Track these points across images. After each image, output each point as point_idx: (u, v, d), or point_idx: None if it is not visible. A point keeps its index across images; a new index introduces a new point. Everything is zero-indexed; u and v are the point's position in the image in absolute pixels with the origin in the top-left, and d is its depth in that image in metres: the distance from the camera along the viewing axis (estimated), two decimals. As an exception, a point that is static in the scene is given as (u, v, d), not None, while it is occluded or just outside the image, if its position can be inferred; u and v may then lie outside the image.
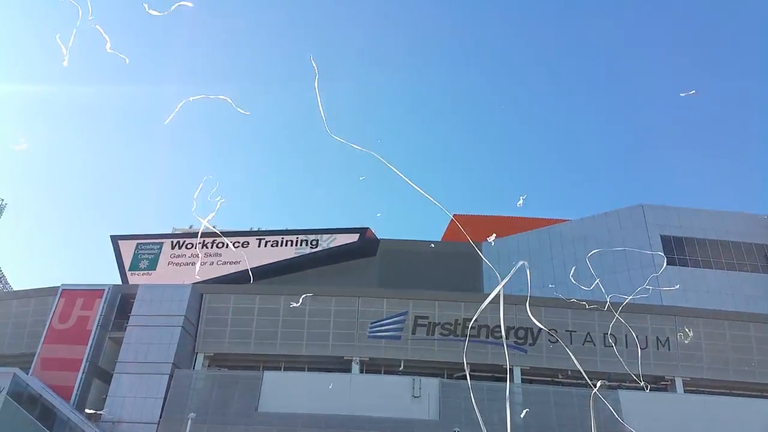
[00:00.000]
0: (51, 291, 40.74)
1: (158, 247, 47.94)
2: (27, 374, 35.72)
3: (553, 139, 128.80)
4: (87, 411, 33.78)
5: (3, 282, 57.48)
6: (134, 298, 39.16)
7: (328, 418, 33.29)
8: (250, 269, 43.76)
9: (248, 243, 47.57)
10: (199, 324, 39.18)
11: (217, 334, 38.79)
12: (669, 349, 37.34)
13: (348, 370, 37.39)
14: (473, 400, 32.84)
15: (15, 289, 55.56)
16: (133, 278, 45.46)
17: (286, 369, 38.23)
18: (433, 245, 45.63)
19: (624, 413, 34.20)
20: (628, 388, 37.00)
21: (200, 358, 38.50)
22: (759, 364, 36.59)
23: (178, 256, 47.45)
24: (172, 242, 48.72)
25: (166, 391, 35.10)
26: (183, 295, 39.28)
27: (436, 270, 43.21)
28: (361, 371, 37.62)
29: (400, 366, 37.33)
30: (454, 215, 43.59)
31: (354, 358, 37.67)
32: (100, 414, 34.12)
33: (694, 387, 36.91)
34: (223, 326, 39.06)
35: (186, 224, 54.30)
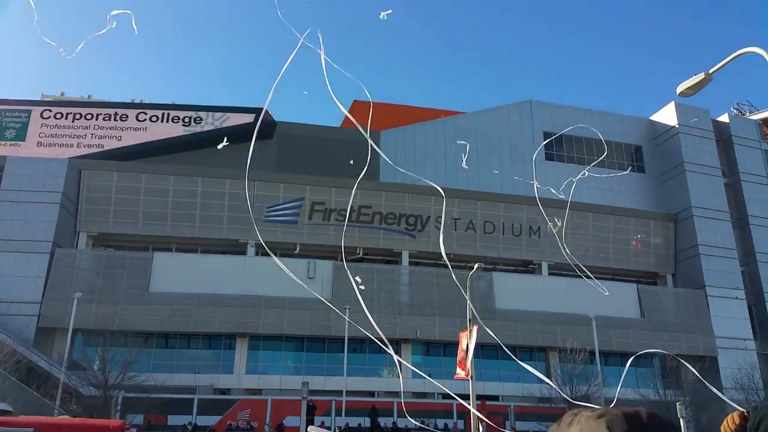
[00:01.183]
0: None
1: (26, 115, 43.16)
2: None
3: (462, 30, 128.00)
4: (-44, 290, 31.62)
5: None
6: (2, 171, 35.84)
7: (223, 298, 33.86)
8: (132, 146, 41.09)
9: (126, 116, 44.12)
10: (79, 202, 36.96)
11: (100, 213, 36.93)
12: (539, 237, 41.24)
13: (243, 254, 37.67)
14: (353, 280, 34.84)
15: None
16: (0, 149, 41.04)
17: (177, 251, 37.71)
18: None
19: (496, 292, 38.15)
20: (501, 270, 40.93)
21: (83, 237, 36.74)
22: (615, 252, 41.77)
23: (51, 126, 43.18)
24: (41, 111, 44.08)
25: (48, 271, 33.54)
26: (59, 170, 36.52)
27: (334, 156, 43.25)
28: (257, 255, 38.05)
29: (295, 249, 38.20)
30: (354, 101, 43.18)
31: (249, 242, 37.85)
32: (-27, 293, 32.09)
33: (557, 270, 41.48)
34: (106, 205, 37.17)
35: (56, 91, 49.09)
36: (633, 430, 0.89)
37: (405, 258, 39.47)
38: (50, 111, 43.74)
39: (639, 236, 42.07)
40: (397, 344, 36.51)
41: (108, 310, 31.85)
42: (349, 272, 7.53)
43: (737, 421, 2.60)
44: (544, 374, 37.29)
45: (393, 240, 39.37)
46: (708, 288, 39.54)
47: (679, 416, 26.60)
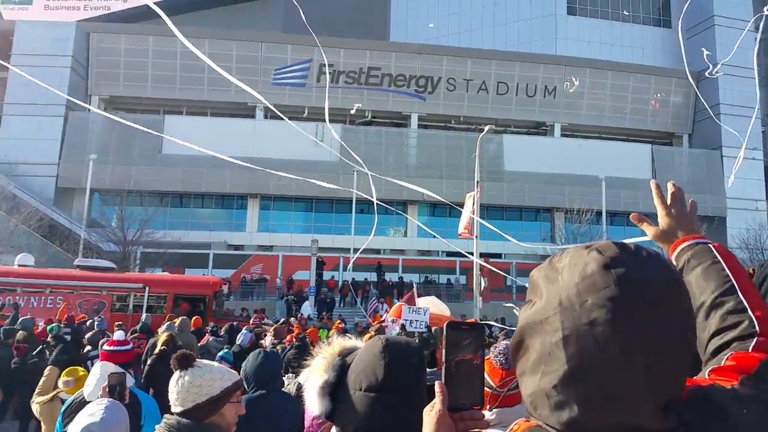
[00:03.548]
0: None
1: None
2: None
3: None
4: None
5: None
6: (12, 36, 35.67)
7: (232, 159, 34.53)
8: (137, 7, 40.05)
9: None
10: (89, 65, 36.95)
11: (110, 77, 36.99)
12: (554, 98, 40.01)
13: (252, 116, 37.78)
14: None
15: None
16: (8, 13, 40.49)
17: (187, 114, 38.01)
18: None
19: (506, 155, 37.96)
20: (512, 132, 40.36)
21: (95, 100, 37.16)
22: (632, 112, 40.44)
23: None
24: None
25: (63, 134, 34.48)
26: (68, 33, 36.18)
27: (343, 16, 41.57)
28: (265, 117, 38.13)
29: (304, 113, 38.06)
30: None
31: (258, 105, 37.77)
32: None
33: (570, 132, 40.72)
34: (116, 68, 37.10)
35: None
36: (623, 254, 0.83)
37: (414, 121, 39.08)
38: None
39: (659, 95, 40.39)
40: (403, 205, 37.31)
41: (123, 171, 33.01)
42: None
43: None
44: (548, 234, 38.10)
45: (402, 102, 38.77)
46: (724, 149, 38.47)
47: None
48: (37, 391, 5.84)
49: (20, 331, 9.99)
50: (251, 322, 15.53)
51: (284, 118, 6.89)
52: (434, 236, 35.78)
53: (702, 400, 0.84)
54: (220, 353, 8.06)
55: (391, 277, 32.76)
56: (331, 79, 38.40)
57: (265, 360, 3.79)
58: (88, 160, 30.67)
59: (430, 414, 1.02)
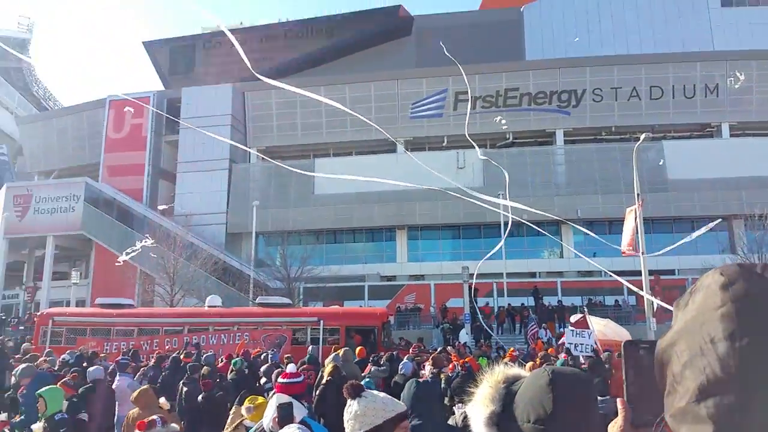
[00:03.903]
0: (99, 103, 42.08)
1: (190, 48, 47.36)
2: (97, 182, 38.88)
3: None
4: (160, 207, 37.03)
5: (53, 100, 59.43)
6: (180, 102, 40.15)
7: (379, 195, 35.42)
8: (284, 64, 43.40)
9: (276, 35, 46.31)
10: (246, 121, 40.36)
11: (265, 129, 40.08)
12: (717, 96, 36.40)
13: (394, 151, 38.67)
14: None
15: (65, 105, 57.45)
16: (175, 81, 45.87)
17: (334, 155, 39.85)
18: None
19: (668, 162, 34.90)
20: (672, 138, 37.17)
21: (253, 152, 40.36)
22: (812, 102, 35.59)
23: (213, 56, 47.03)
24: (204, 42, 48.08)
25: (228, 184, 37.74)
26: (226, 95, 39.97)
27: (475, 42, 41.59)
28: (406, 150, 38.78)
29: (443, 142, 38.25)
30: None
31: (398, 140, 38.63)
32: (172, 208, 37.43)
33: (740, 131, 36.63)
34: (269, 121, 40.14)
35: (212, 23, 52.84)
36: (743, 273, 0.82)
37: (559, 137, 37.52)
38: (211, 42, 47.54)
39: None
40: (556, 225, 35.59)
41: (282, 213, 35.23)
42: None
43: None
44: (726, 244, 34.12)
45: (545, 120, 37.48)
46: None
47: None
48: (226, 428, 6.04)
49: (204, 367, 10.64)
50: (411, 350, 15.42)
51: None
52: (593, 255, 33.55)
53: None
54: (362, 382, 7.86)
55: (549, 301, 31.12)
56: (469, 106, 38.30)
57: (418, 390, 3.51)
58: (252, 207, 33.12)
59: (613, 430, 1.04)
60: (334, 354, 12.84)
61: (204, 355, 13.35)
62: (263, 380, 9.73)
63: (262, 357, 14.04)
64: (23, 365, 9.72)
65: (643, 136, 23.22)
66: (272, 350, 15.31)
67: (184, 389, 9.60)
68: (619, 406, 1.05)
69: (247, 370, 11.87)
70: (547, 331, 27.69)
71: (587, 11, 41.53)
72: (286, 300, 21.74)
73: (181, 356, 12.98)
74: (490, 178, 35.73)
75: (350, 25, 44.44)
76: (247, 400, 5.43)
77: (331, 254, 36.05)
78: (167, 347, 16.96)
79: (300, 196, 36.77)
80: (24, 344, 17.77)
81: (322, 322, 19.22)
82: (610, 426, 1.06)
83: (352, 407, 2.39)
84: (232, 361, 12.70)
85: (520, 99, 37.60)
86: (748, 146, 34.81)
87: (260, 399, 5.30)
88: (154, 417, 5.30)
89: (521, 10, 43.31)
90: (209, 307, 21.07)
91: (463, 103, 38.14)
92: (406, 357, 12.96)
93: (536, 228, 19.43)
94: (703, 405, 0.78)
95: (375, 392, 2.58)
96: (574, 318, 13.82)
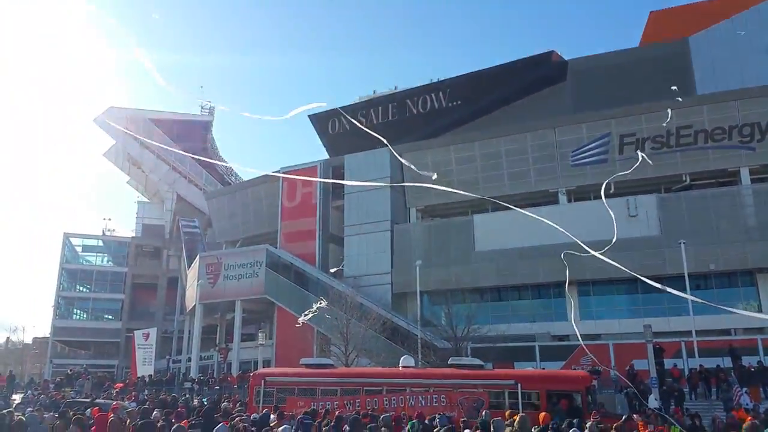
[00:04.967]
0: (274, 177, 46.14)
1: (347, 115, 50.13)
2: (276, 248, 42.39)
3: None
4: (331, 270, 39.28)
5: (234, 176, 66.55)
6: (343, 168, 42.78)
7: (541, 248, 34.32)
8: (439, 122, 44.65)
9: (432, 96, 47.73)
10: (404, 181, 41.80)
11: (423, 189, 41.05)
12: None
13: (555, 202, 37.51)
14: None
15: (244, 179, 63.97)
16: (337, 148, 48.77)
17: (493, 210, 39.60)
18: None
19: None
20: None
21: (413, 212, 41.58)
22: None
23: (369, 120, 49.59)
24: (360, 112, 50.98)
25: (391, 245, 39.10)
26: (384, 158, 41.89)
27: (637, 81, 39.49)
28: (569, 201, 37.47)
29: (611, 189, 36.32)
30: (651, 13, 38.63)
31: (560, 189, 37.49)
32: (342, 271, 39.51)
33: None
34: (426, 180, 41.20)
35: (369, 91, 56.04)
36: None
37: (745, 175, 33.84)
38: (370, 110, 50.33)
39: None
40: (750, 275, 31.77)
41: (444, 272, 35.59)
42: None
43: None
44: None
45: (726, 158, 34.13)
46: None
47: None
48: None
49: (383, 428, 11.04)
50: (591, 417, 14.51)
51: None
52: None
53: None
54: None
55: (750, 361, 27.53)
56: (635, 149, 36.11)
57: None
58: (415, 266, 33.87)
59: None
60: (510, 419, 12.53)
61: (382, 416, 13.66)
62: None
63: (436, 421, 14.10)
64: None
65: None
66: (442, 414, 15.27)
67: None
68: None
69: None
70: (750, 396, 24.47)
71: (758, 37, 37.66)
72: (478, 361, 21.63)
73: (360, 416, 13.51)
74: (667, 225, 33.17)
75: (502, 77, 44.58)
76: None
77: (497, 312, 35.44)
78: (368, 407, 17.60)
79: (461, 253, 36.91)
80: (223, 404, 19.47)
81: (519, 385, 18.83)
82: None
83: None
84: (410, 422, 13.03)
85: (695, 137, 34.72)
86: None
87: None
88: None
89: (687, 41, 40.49)
90: (403, 367, 21.69)
91: (630, 146, 36.16)
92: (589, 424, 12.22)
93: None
94: None
95: None
96: None
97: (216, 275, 42.18)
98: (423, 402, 18.42)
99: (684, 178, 35.08)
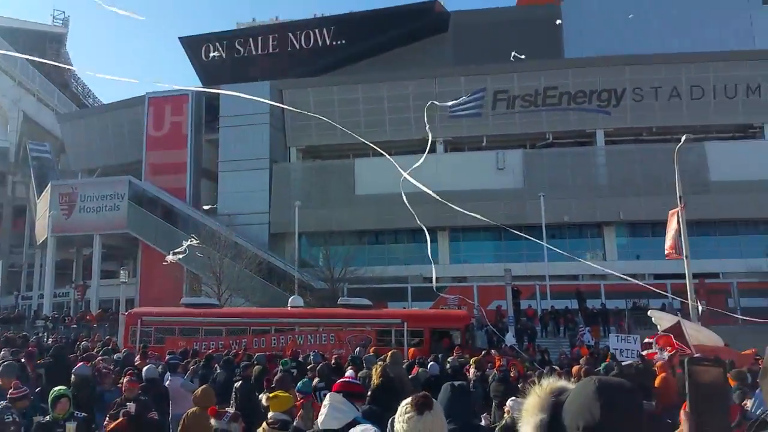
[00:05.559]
0: (139, 100, 42.55)
1: (224, 42, 47.23)
2: (140, 180, 39.58)
3: None
4: (204, 207, 37.70)
5: (92, 97, 60.23)
6: (218, 100, 40.52)
7: (418, 195, 35.63)
8: (320, 61, 43.65)
9: (310, 32, 46.18)
10: (285, 119, 40.71)
11: (304, 128, 40.35)
12: (760, 96, 36.03)
13: (433, 151, 38.80)
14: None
15: (105, 102, 58.13)
16: (212, 78, 45.94)
17: (373, 155, 40.08)
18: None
19: (710, 164, 34.76)
20: (714, 139, 36.90)
21: (293, 151, 40.82)
22: None
23: (248, 50, 47.14)
24: (238, 40, 48.22)
25: (270, 184, 38.26)
26: (264, 93, 40.25)
27: (512, 39, 41.33)
28: (446, 151, 38.99)
29: (483, 142, 38.34)
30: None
31: (438, 139, 38.76)
32: (215, 208, 38.10)
33: (785, 131, 36.29)
34: (307, 119, 40.40)
35: (247, 18, 52.99)
36: None
37: (600, 137, 37.43)
38: (244, 39, 47.73)
39: None
40: (598, 227, 35.71)
41: (324, 213, 35.66)
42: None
43: None
44: (772, 248, 33.96)
45: (585, 120, 37.38)
46: None
47: None
48: None
49: (257, 366, 11.25)
50: (454, 352, 15.80)
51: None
52: (636, 258, 33.60)
53: None
54: (297, 385, 7.94)
55: (593, 304, 31.34)
56: (507, 105, 38.26)
57: (453, 394, 3.71)
58: (294, 207, 33.56)
59: None
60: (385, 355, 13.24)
61: (256, 355, 13.62)
62: (316, 380, 9.98)
63: (310, 358, 14.29)
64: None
65: (684, 138, 23.15)
66: (315, 351, 15.54)
67: (236, 386, 9.95)
68: (683, 416, 1.19)
69: (295, 371, 12.00)
70: (591, 335, 27.92)
71: (626, 9, 41.05)
72: (366, 302, 22.25)
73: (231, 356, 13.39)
74: (530, 179, 35.89)
75: (387, 21, 44.30)
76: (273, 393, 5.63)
77: (374, 255, 36.54)
78: (256, 347, 17.55)
79: (341, 196, 37.15)
80: (82, 343, 18.18)
81: (406, 324, 19.74)
82: None
83: (418, 423, 2.36)
84: (281, 361, 12.90)
85: (560, 98, 37.50)
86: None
87: (285, 394, 5.52)
88: (226, 409, 5.72)
89: (559, 6, 42.96)
90: (292, 307, 21.73)
91: (503, 102, 38.19)
92: (432, 359, 13.29)
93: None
94: None
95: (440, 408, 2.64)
96: (666, 323, 13.68)
97: (71, 206, 38.59)
98: (312, 341, 18.80)
99: (547, 136, 37.94)
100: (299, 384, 7.90)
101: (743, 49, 37.23)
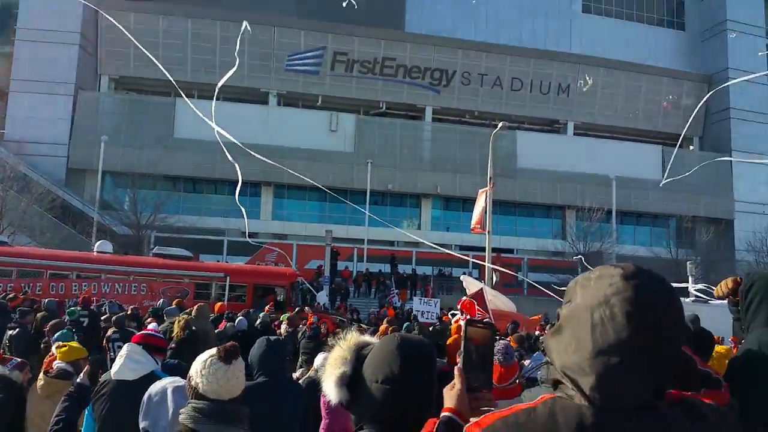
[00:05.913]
0: None
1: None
2: None
3: None
4: (-13, 129, 32.07)
5: None
6: (17, 7, 34.57)
7: (247, 147, 34.00)
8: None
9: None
10: (98, 44, 36.00)
11: (120, 56, 36.08)
12: (567, 96, 40.13)
13: (265, 103, 37.24)
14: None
15: None
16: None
17: (199, 98, 37.25)
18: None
19: (519, 151, 38.02)
20: (525, 129, 40.40)
21: (105, 80, 36.33)
22: (643, 113, 40.75)
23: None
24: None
25: (72, 113, 33.65)
26: (75, 8, 35.11)
27: (360, 3, 40.90)
28: (279, 104, 37.64)
29: (317, 101, 37.65)
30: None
31: (271, 91, 37.24)
32: (2, 133, 32.60)
33: (583, 131, 40.89)
34: (125, 47, 36.17)
35: None
36: (639, 271, 1.12)
37: (428, 114, 38.90)
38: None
39: (671, 97, 40.74)
40: (417, 198, 37.25)
41: (134, 153, 32.36)
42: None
43: (730, 285, 2.90)
44: (559, 231, 38.33)
45: (417, 95, 38.54)
46: (734, 153, 39.04)
47: (688, 274, 27.52)
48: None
49: (42, 313, 10.28)
50: (266, 309, 15.55)
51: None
52: (446, 230, 35.69)
53: (689, 404, 1.19)
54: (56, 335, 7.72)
55: (404, 269, 32.73)
56: (345, 68, 37.99)
57: (269, 348, 3.87)
58: (100, 142, 29.97)
59: (451, 392, 1.31)
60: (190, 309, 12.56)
61: (46, 300, 12.28)
62: (111, 330, 9.09)
63: (105, 308, 13.28)
64: None
65: (500, 125, 24.94)
66: (111, 300, 14.54)
67: (11, 333, 9.02)
68: (456, 373, 1.32)
69: (85, 320, 10.97)
70: (399, 297, 29.05)
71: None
72: (186, 252, 20.50)
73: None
74: (361, 145, 36.14)
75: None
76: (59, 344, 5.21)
77: (189, 204, 34.15)
78: (53, 293, 15.25)
79: (157, 137, 33.96)
80: None
81: (228, 278, 18.62)
82: (446, 389, 1.33)
83: (226, 372, 2.29)
84: (68, 310, 11.30)
85: (397, 70, 38.13)
86: (587, 145, 39.03)
87: (73, 343, 5.21)
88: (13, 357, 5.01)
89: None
90: (98, 252, 19.23)
91: (341, 64, 37.79)
92: (240, 313, 12.98)
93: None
94: (595, 363, 1.07)
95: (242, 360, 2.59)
96: (473, 288, 14.40)
97: None
98: (120, 290, 16.95)
99: (381, 105, 38.46)
100: (57, 334, 6.76)
101: (561, 50, 40.91)
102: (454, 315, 14.44)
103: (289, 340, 11.97)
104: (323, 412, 5.19)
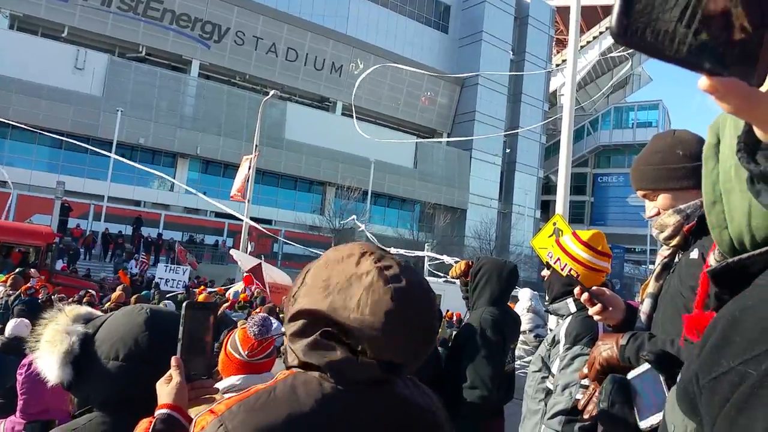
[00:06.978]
0: None
1: None
2: None
3: None
4: None
5: None
6: None
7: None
8: None
9: None
10: None
11: None
12: (340, 76, 41.00)
13: (-8, 21, 31.07)
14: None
15: None
16: None
17: None
18: None
19: (288, 123, 37.82)
20: (296, 102, 40.32)
21: None
22: (404, 104, 43.56)
23: None
24: None
25: None
26: None
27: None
28: (11, 27, 31.75)
29: (63, 32, 32.64)
30: None
31: (3, 11, 31.18)
32: None
33: (350, 112, 42.17)
34: None
35: None
36: (376, 248, 1.07)
37: (195, 68, 36.38)
38: None
39: (429, 93, 44.24)
40: (173, 157, 34.76)
41: None
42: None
43: (463, 267, 3.30)
44: (318, 206, 39.23)
45: (183, 45, 35.72)
46: (473, 151, 43.99)
47: (425, 254, 30.29)
48: None
49: None
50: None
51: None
52: (203, 194, 34.06)
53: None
54: None
55: (150, 232, 30.34)
56: (102, 1, 33.54)
57: None
58: None
59: (167, 386, 1.20)
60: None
61: None
62: None
63: None
64: None
65: (272, 93, 24.53)
66: None
67: None
68: (173, 362, 1.22)
69: None
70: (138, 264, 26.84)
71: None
72: None
73: None
74: (111, 90, 32.32)
75: None
76: None
77: None
78: None
79: None
80: None
81: None
82: (160, 383, 1.21)
83: None
84: None
85: (163, 13, 34.83)
86: (351, 127, 40.25)
87: None
88: None
89: None
90: None
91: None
92: None
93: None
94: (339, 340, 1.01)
95: None
96: (248, 263, 13.68)
97: None
98: None
99: (141, 49, 34.81)
100: None
101: (337, 30, 41.41)
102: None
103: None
104: (18, 390, 4.21)
